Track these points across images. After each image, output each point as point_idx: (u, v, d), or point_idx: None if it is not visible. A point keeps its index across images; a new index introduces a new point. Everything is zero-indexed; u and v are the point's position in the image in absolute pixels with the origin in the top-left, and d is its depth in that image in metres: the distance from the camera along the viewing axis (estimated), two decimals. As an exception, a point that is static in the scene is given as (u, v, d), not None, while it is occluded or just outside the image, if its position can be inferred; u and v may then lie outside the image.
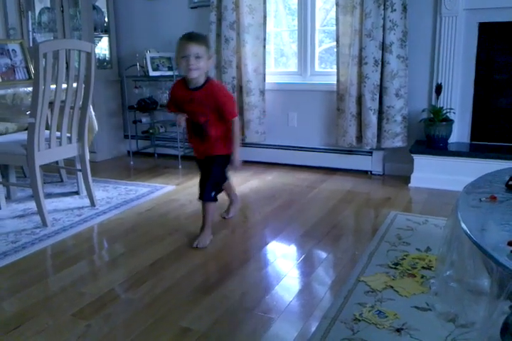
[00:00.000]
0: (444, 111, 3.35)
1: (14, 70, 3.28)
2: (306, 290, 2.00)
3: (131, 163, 4.30)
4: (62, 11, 4.22)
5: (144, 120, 4.28)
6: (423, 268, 2.11)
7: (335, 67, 3.70)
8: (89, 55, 2.81)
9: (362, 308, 1.80)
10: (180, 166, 4.09)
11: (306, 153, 3.95)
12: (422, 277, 2.03)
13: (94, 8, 4.40)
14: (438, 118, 3.31)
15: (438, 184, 3.30)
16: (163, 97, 4.23)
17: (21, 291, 2.01)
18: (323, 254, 2.35)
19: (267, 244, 2.49)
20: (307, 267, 2.21)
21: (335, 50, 3.67)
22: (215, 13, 3.89)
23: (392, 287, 1.95)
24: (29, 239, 2.54)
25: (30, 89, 2.80)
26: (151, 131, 4.28)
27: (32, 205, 2.98)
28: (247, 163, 4.13)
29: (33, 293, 2.00)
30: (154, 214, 2.93)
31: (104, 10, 4.48)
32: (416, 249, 2.32)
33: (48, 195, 3.26)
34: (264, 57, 3.86)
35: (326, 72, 3.93)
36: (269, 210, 2.98)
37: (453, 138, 3.45)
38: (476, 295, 1.36)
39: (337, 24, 3.55)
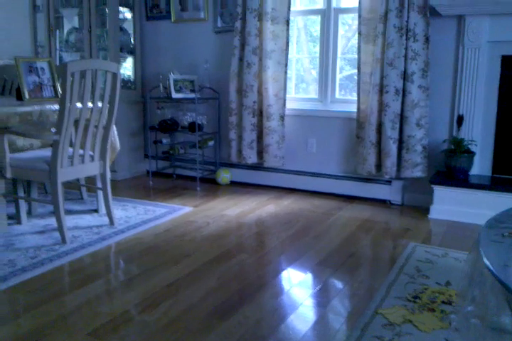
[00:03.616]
0: (466, 143, 3.34)
1: (41, 88, 3.34)
2: (322, 320, 1.97)
3: (151, 182, 4.33)
4: (90, 31, 4.33)
5: (164, 141, 4.33)
6: (443, 302, 2.08)
7: (355, 94, 3.73)
8: (115, 75, 2.87)
9: (380, 342, 1.77)
10: (198, 188, 4.11)
11: (324, 180, 3.95)
12: (442, 312, 1.99)
13: (121, 29, 4.52)
14: (459, 149, 3.30)
15: (458, 216, 3.27)
16: (185, 119, 4.29)
17: (38, 308, 2.02)
18: (340, 284, 2.32)
19: (283, 270, 2.48)
20: (323, 297, 2.18)
21: (355, 77, 3.71)
22: (238, 38, 3.96)
23: (411, 321, 1.92)
24: (48, 255, 2.56)
25: (56, 106, 2.86)
26: (171, 151, 4.32)
27: (52, 221, 3.01)
28: (265, 187, 4.15)
29: (49, 310, 2.00)
30: (171, 235, 2.94)
31: (131, 32, 4.59)
32: (436, 283, 2.28)
33: (68, 212, 3.29)
34: (285, 82, 3.91)
35: (346, 99, 3.96)
36: (285, 236, 2.97)
37: (474, 171, 3.42)
38: (498, 333, 1.33)
39: (359, 52, 3.59)
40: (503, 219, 1.70)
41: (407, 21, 3.35)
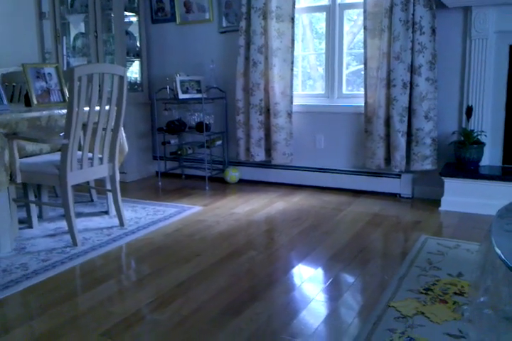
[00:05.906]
0: (475, 134, 3.30)
1: (49, 93, 3.37)
2: (334, 315, 1.96)
3: (160, 183, 4.35)
4: (96, 36, 4.36)
5: (172, 141, 4.35)
6: (455, 294, 2.06)
7: (362, 89, 3.71)
8: (121, 78, 2.88)
9: (392, 335, 1.76)
10: (207, 187, 4.12)
11: (333, 175, 3.94)
12: (454, 303, 1.97)
13: (127, 33, 4.54)
14: (469, 140, 3.27)
15: (469, 208, 3.23)
16: (192, 119, 4.30)
17: (51, 310, 2.04)
18: (351, 278, 2.31)
19: (294, 266, 2.47)
20: (335, 291, 2.17)
21: (362, 72, 3.69)
22: (243, 38, 3.96)
23: (423, 313, 1.90)
24: (59, 258, 2.58)
25: (64, 111, 2.88)
26: (179, 152, 4.34)
27: (63, 224, 3.04)
28: (274, 185, 4.15)
29: (62, 312, 2.02)
30: (181, 235, 2.95)
31: (137, 35, 4.62)
32: (447, 274, 2.26)
33: (79, 215, 3.31)
34: (291, 79, 3.90)
35: (353, 94, 3.94)
36: (295, 232, 2.97)
37: (484, 161, 3.39)
38: (510, 322, 1.31)
39: (365, 47, 3.57)
40: (515, 209, 1.67)
41: (412, 14, 3.33)
